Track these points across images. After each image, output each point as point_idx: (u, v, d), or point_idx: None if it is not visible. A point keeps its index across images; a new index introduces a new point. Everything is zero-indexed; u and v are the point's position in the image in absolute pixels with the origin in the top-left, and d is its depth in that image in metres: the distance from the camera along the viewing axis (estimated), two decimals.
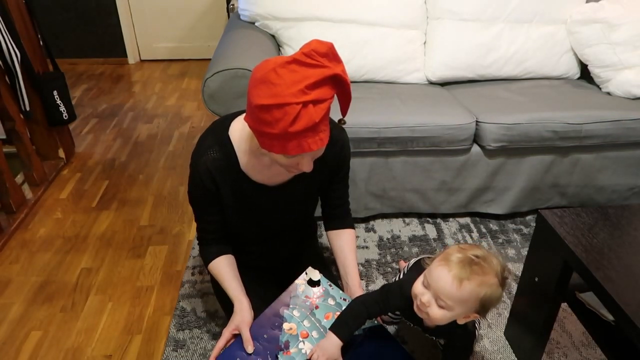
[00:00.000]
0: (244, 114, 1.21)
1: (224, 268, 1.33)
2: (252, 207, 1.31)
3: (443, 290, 1.06)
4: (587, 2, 2.20)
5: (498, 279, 1.07)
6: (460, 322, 1.13)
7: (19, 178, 2.27)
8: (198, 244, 1.40)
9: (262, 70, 0.97)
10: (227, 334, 1.21)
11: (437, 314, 1.09)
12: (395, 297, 1.22)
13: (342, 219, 1.48)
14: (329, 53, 0.96)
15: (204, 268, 1.80)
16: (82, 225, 2.07)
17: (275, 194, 1.30)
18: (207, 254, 1.37)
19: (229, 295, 1.29)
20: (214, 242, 1.37)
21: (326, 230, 1.50)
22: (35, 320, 1.61)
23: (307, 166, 1.09)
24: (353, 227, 1.49)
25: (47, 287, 1.74)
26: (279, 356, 1.21)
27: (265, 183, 1.28)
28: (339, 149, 1.31)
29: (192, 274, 1.78)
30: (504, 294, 1.69)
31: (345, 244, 1.45)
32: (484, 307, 1.08)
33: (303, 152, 1.01)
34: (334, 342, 1.18)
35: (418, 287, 1.13)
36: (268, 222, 1.38)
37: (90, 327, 1.59)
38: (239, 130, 1.21)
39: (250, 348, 1.18)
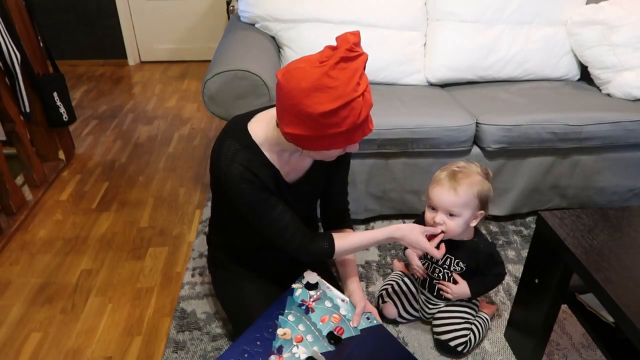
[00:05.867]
0: (256, 116, 1.23)
1: (349, 237, 1.31)
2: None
3: (448, 203, 1.32)
4: (587, 3, 2.20)
5: (481, 175, 1.36)
6: (472, 224, 1.38)
7: (19, 179, 2.27)
8: (305, 252, 1.26)
9: (309, 78, 0.97)
10: (428, 245, 1.29)
11: (452, 225, 1.34)
12: (423, 222, 1.44)
13: (341, 219, 1.49)
14: (359, 40, 1.01)
15: (204, 269, 1.80)
16: (82, 226, 2.07)
17: (293, 190, 1.31)
18: (325, 248, 1.27)
19: (383, 240, 1.31)
20: (309, 235, 1.27)
21: (325, 231, 1.50)
22: (35, 322, 1.61)
23: (356, 147, 1.14)
24: (352, 228, 1.50)
25: (47, 289, 1.74)
26: None
27: (285, 179, 1.28)
28: None
29: (192, 276, 1.78)
30: (505, 295, 1.71)
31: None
32: (482, 201, 1.35)
33: (364, 136, 1.07)
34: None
35: (427, 215, 1.38)
36: None
37: (90, 328, 1.59)
38: (258, 130, 1.20)
39: (437, 252, 1.30)
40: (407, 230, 1.29)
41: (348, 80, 0.97)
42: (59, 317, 1.62)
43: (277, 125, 1.11)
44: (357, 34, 1.00)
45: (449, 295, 1.46)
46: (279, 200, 1.23)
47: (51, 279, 1.78)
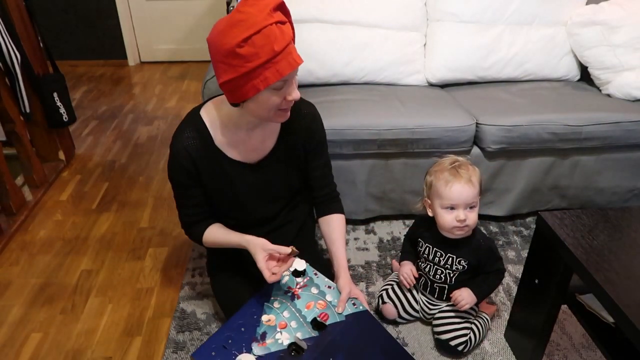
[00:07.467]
0: (209, 102, 1.30)
1: (218, 231, 1.37)
2: (234, 188, 1.33)
3: (469, 196, 1.34)
4: (587, 3, 2.20)
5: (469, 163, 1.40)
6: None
7: (19, 180, 2.27)
8: (185, 231, 1.43)
9: (222, 23, 1.06)
10: (262, 264, 1.24)
11: (473, 217, 1.36)
12: (421, 225, 1.52)
13: (328, 203, 1.48)
14: None
15: (204, 270, 1.80)
16: (82, 227, 2.07)
17: (255, 173, 1.33)
18: (197, 233, 1.40)
19: (235, 244, 1.32)
20: (199, 221, 1.39)
21: (317, 218, 1.49)
22: (36, 322, 1.61)
23: (295, 92, 1.16)
24: (342, 212, 1.48)
25: (47, 289, 1.74)
26: (252, 347, 1.21)
27: (243, 161, 1.31)
28: (310, 121, 1.37)
29: (192, 276, 1.78)
30: (505, 295, 1.71)
31: (332, 230, 1.44)
32: (481, 185, 1.38)
33: (293, 69, 1.08)
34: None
35: (447, 217, 1.37)
36: (253, 205, 1.38)
37: (90, 329, 1.59)
38: (210, 110, 1.28)
39: (269, 276, 1.22)
40: (251, 245, 1.26)
41: (258, 12, 1.02)
42: (59, 318, 1.62)
43: (225, 99, 1.19)
44: None
45: (464, 304, 1.43)
46: (199, 191, 1.33)
47: (51, 280, 1.78)
